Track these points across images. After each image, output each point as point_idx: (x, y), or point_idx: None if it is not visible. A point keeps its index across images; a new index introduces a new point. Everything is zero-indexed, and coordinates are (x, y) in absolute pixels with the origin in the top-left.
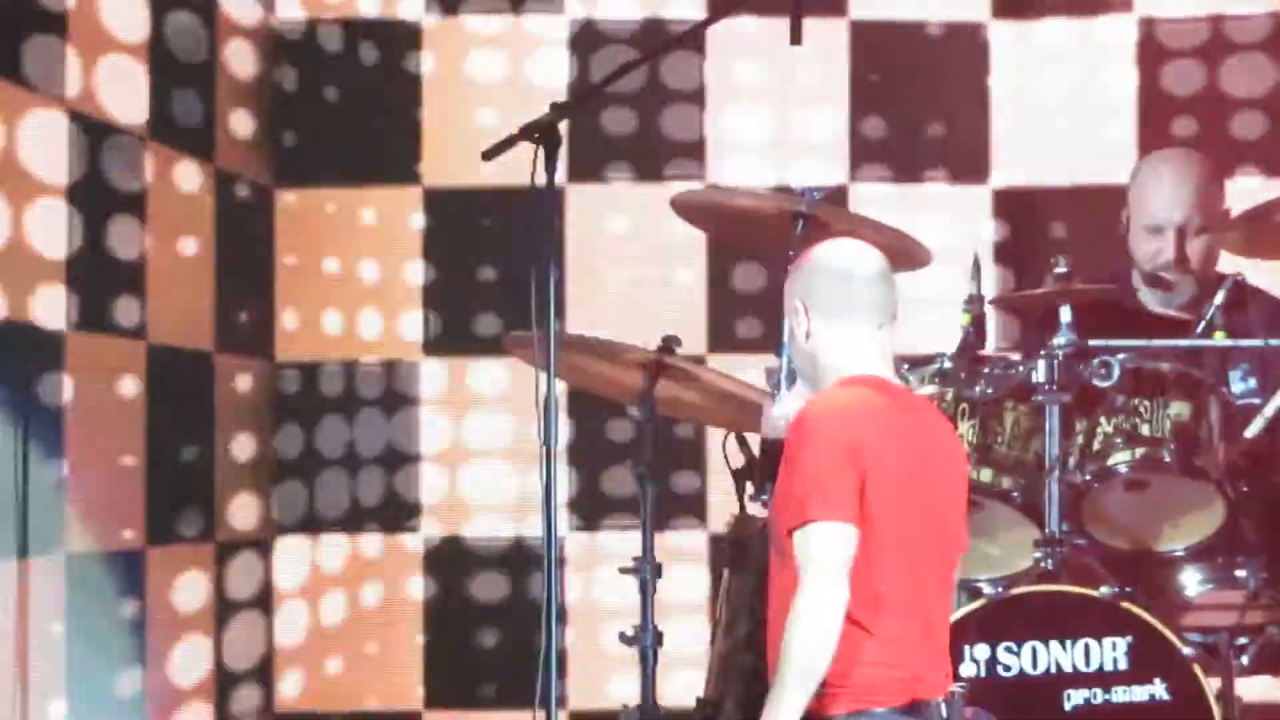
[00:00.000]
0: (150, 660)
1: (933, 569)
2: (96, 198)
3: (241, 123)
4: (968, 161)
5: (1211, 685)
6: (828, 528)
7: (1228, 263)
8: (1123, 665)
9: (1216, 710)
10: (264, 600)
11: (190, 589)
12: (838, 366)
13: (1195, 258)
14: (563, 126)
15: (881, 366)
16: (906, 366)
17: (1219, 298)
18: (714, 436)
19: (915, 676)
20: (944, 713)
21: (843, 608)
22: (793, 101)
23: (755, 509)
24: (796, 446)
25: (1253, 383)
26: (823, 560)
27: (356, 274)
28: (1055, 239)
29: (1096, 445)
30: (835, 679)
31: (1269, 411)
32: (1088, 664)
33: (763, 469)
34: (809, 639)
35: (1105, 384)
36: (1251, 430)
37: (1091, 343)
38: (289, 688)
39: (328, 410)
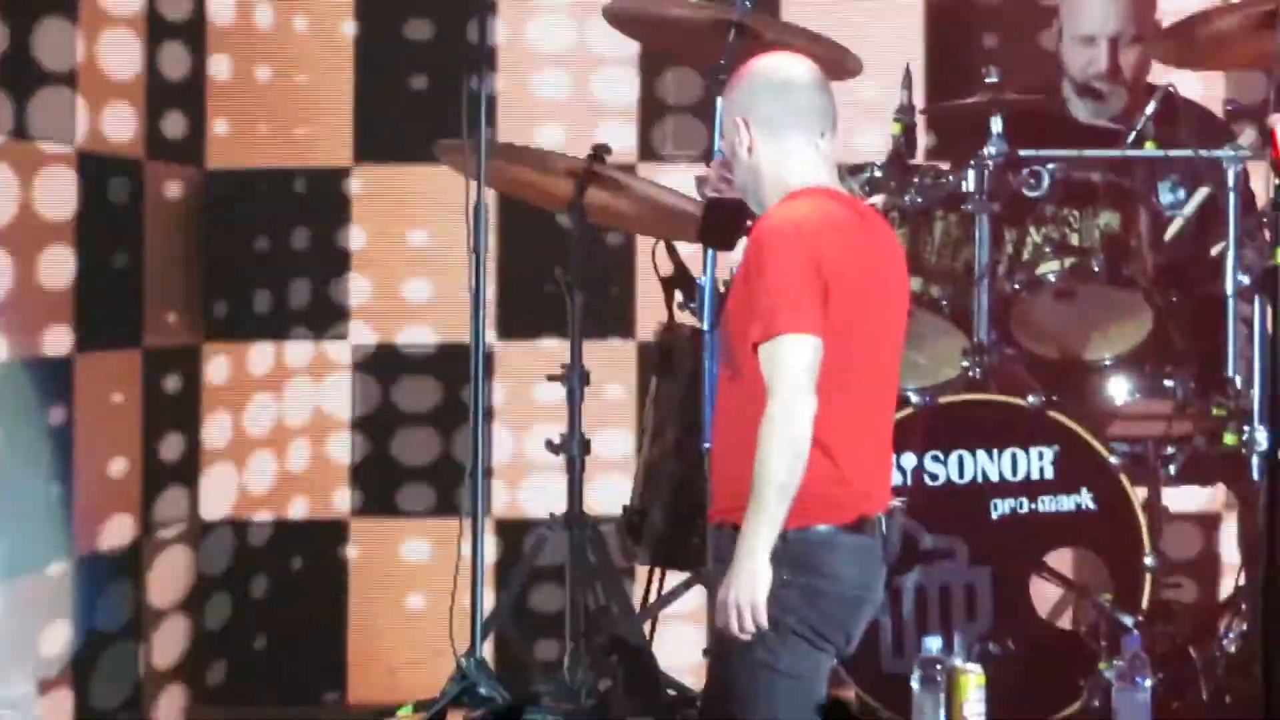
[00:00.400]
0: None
1: (885, 382)
2: None
3: None
4: None
5: (1138, 495)
6: (797, 340)
7: (1159, 74)
8: (1049, 474)
9: (1142, 519)
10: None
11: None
12: (784, 178)
13: (1127, 68)
14: None
15: (827, 176)
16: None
17: (1150, 108)
18: (643, 246)
19: (864, 492)
20: (884, 527)
21: (812, 418)
22: None
23: (683, 317)
24: (759, 259)
25: (1181, 193)
26: (794, 371)
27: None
28: (986, 49)
29: (1026, 254)
30: None
31: (1188, 212)
32: (1014, 473)
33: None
34: (786, 451)
35: (1035, 194)
36: (1170, 233)
37: (1022, 152)
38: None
39: (259, 219)
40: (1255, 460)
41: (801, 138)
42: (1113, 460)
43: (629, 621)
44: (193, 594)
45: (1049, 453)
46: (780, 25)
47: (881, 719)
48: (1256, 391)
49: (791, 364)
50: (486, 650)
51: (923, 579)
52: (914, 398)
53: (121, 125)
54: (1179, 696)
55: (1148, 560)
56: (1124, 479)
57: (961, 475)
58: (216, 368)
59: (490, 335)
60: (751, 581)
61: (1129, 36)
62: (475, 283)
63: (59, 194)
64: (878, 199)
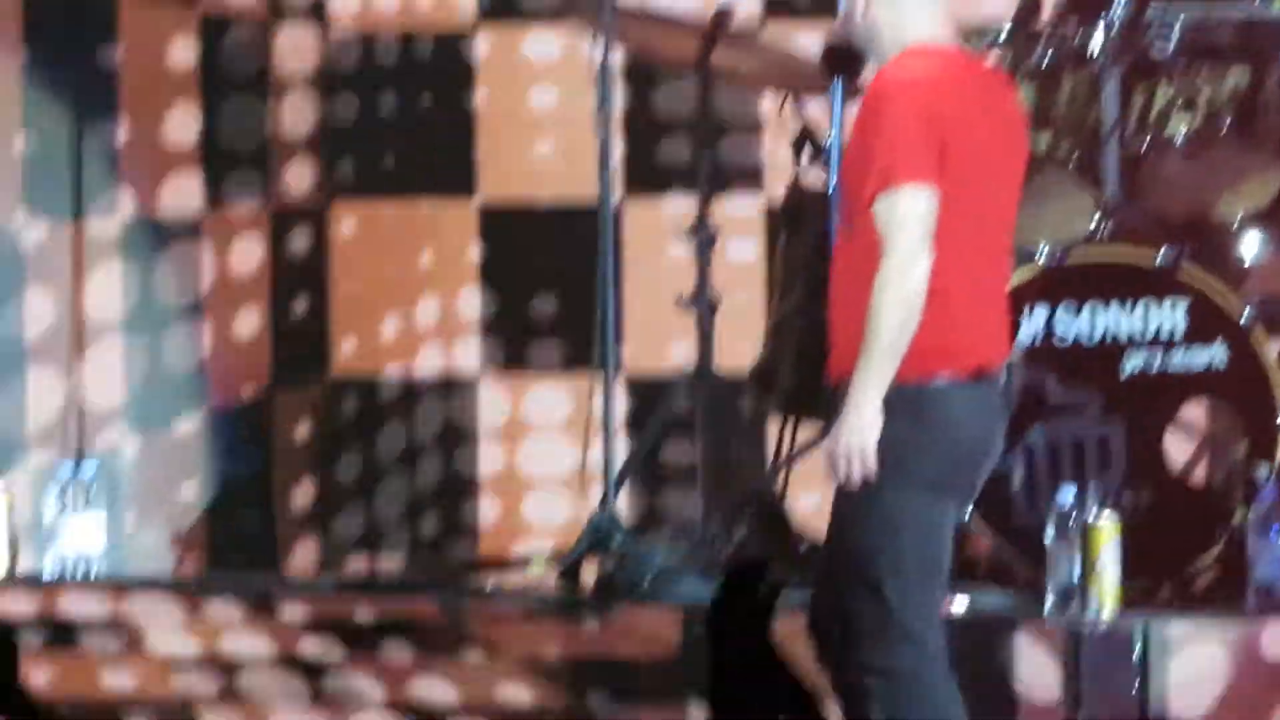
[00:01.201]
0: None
1: (1001, 239)
2: None
3: None
4: None
5: (1270, 351)
6: (914, 190)
7: None
8: (1181, 329)
9: (1275, 376)
10: None
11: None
12: (901, 35)
13: None
14: None
15: (946, 32)
16: (965, 34)
17: None
18: (770, 104)
19: (983, 343)
20: (1002, 380)
21: (928, 274)
22: None
23: (812, 175)
24: (876, 114)
25: None
26: (911, 224)
27: None
28: None
29: (1154, 113)
30: (909, 345)
31: None
32: (1146, 327)
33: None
34: (899, 306)
35: (1163, 52)
36: None
37: (1150, 8)
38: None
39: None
40: None
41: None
42: (1245, 316)
43: (761, 476)
44: (324, 449)
45: (1181, 307)
46: None
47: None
48: None
49: (907, 216)
50: (620, 504)
51: (1055, 432)
52: (1043, 254)
53: None
54: None
55: None
56: (1256, 334)
57: (1093, 330)
58: (345, 226)
59: (618, 193)
60: (861, 432)
61: None
62: (603, 141)
63: (184, 49)
64: (1004, 58)
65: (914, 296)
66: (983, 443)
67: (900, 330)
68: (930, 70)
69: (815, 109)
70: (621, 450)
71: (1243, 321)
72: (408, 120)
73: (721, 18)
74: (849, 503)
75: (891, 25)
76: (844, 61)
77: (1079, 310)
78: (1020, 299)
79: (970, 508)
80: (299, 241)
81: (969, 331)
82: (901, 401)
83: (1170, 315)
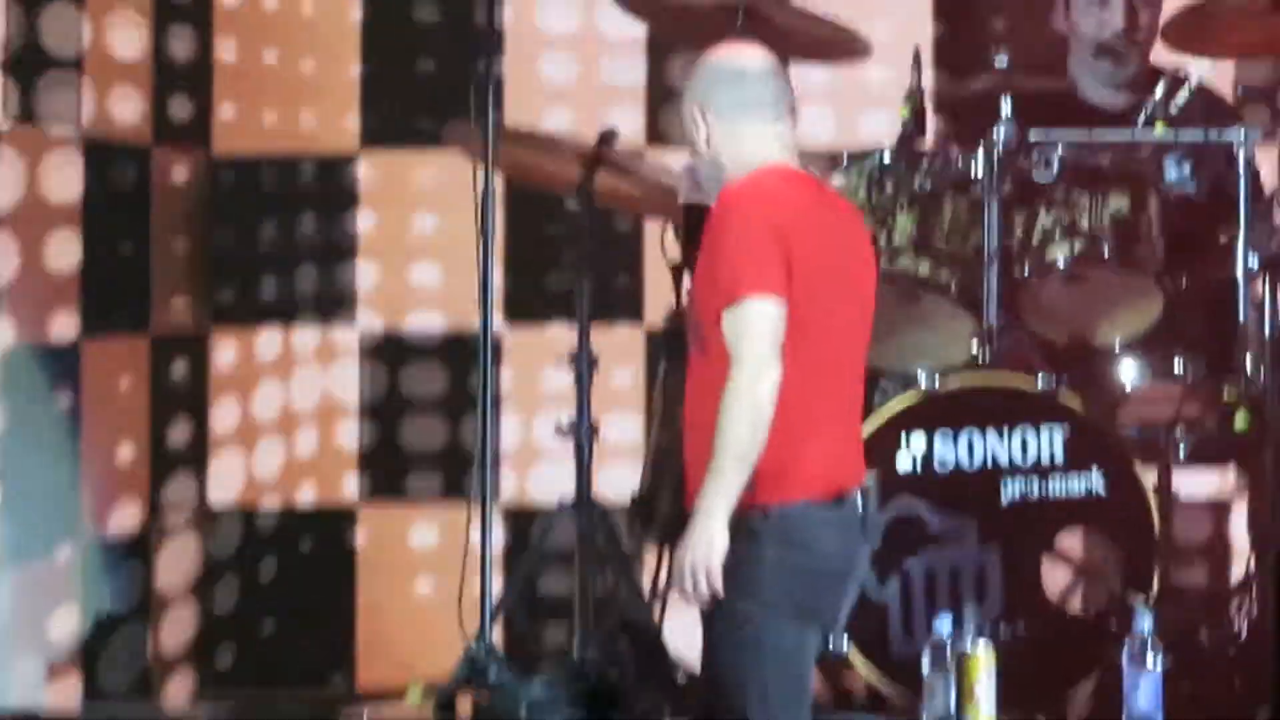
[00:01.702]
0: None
1: (852, 357)
2: None
3: None
4: None
5: (1148, 477)
6: (761, 302)
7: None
8: (1059, 456)
9: (1153, 502)
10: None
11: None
12: (745, 162)
13: (1143, 28)
14: None
15: (788, 157)
16: (846, 159)
17: (1159, 91)
18: (651, 233)
19: (841, 467)
20: (860, 503)
21: (777, 385)
22: None
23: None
24: (721, 229)
25: (1187, 169)
26: (758, 334)
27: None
28: (995, 31)
29: (1035, 238)
30: (766, 468)
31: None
32: (1024, 456)
33: (686, 235)
34: (747, 416)
35: (1045, 178)
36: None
37: (1032, 136)
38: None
39: (266, 205)
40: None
41: (759, 124)
42: (1123, 442)
43: (639, 605)
44: (201, 579)
45: (1059, 433)
46: (788, 8)
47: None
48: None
49: (755, 328)
50: (495, 635)
51: (933, 561)
52: (924, 380)
53: (128, 109)
54: (1190, 678)
55: (1158, 543)
56: (1135, 461)
57: (971, 457)
58: (224, 354)
59: (498, 321)
60: (708, 545)
61: None
62: (483, 268)
63: (65, 178)
64: (885, 182)
65: (763, 407)
66: (845, 564)
67: (749, 441)
68: (773, 186)
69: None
70: (498, 581)
71: (1122, 447)
72: (289, 245)
73: (605, 140)
74: (715, 632)
75: (733, 153)
76: (698, 221)
77: (957, 436)
78: (899, 425)
79: (843, 635)
80: (178, 367)
81: (827, 453)
82: (763, 525)
83: (1049, 441)
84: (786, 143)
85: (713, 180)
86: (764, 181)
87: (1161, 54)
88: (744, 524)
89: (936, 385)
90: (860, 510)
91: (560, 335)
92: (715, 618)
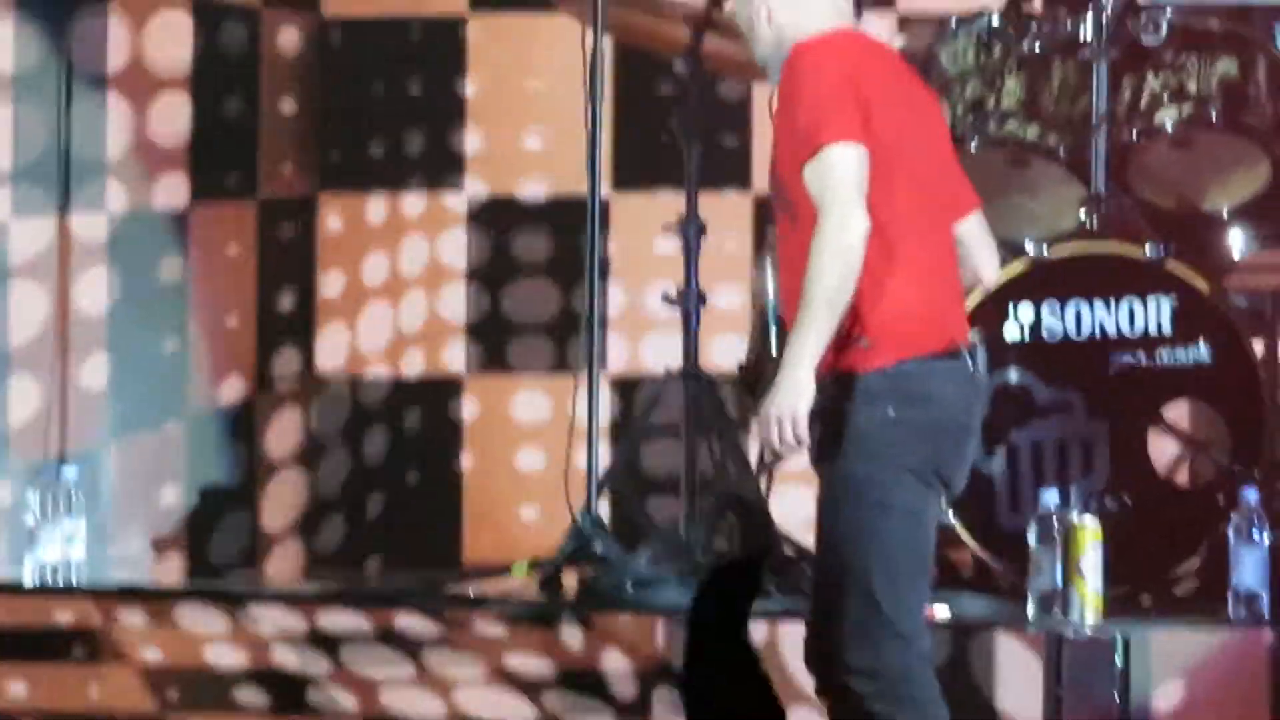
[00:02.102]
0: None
1: (942, 210)
2: None
3: None
4: None
5: (1256, 347)
6: (841, 149)
7: None
8: (1167, 327)
9: (1261, 372)
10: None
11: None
12: (808, 26)
13: None
14: None
15: (847, 25)
16: (954, 22)
17: None
18: (760, 97)
19: (950, 320)
20: (971, 359)
21: (865, 232)
22: None
23: None
24: (795, 83)
25: None
26: (841, 181)
27: None
28: None
29: (1143, 102)
30: (875, 328)
31: None
32: (1132, 326)
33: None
34: (836, 261)
35: (1153, 41)
36: None
37: None
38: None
39: (375, 73)
40: None
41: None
42: (1231, 311)
43: (746, 478)
44: (307, 451)
45: (1167, 304)
46: None
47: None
48: None
49: (840, 174)
50: (602, 508)
51: (1039, 433)
52: (1030, 248)
53: None
54: None
55: (1266, 415)
56: (1242, 331)
57: (1079, 328)
58: (332, 219)
59: (606, 187)
60: (795, 392)
61: None
62: (591, 133)
63: (174, 41)
64: (993, 45)
65: (852, 252)
66: (967, 418)
67: (838, 288)
68: (842, 40)
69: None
70: (605, 454)
71: (1229, 317)
72: (397, 109)
73: (714, 2)
74: (834, 499)
75: (794, 25)
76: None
77: (1064, 306)
78: (1006, 294)
79: (951, 507)
80: (285, 233)
81: (935, 304)
82: (886, 383)
83: (1156, 311)
84: (846, 13)
85: (772, 59)
86: (832, 38)
87: None
88: (862, 384)
89: (1044, 253)
90: (972, 365)
91: (668, 201)
92: (834, 484)
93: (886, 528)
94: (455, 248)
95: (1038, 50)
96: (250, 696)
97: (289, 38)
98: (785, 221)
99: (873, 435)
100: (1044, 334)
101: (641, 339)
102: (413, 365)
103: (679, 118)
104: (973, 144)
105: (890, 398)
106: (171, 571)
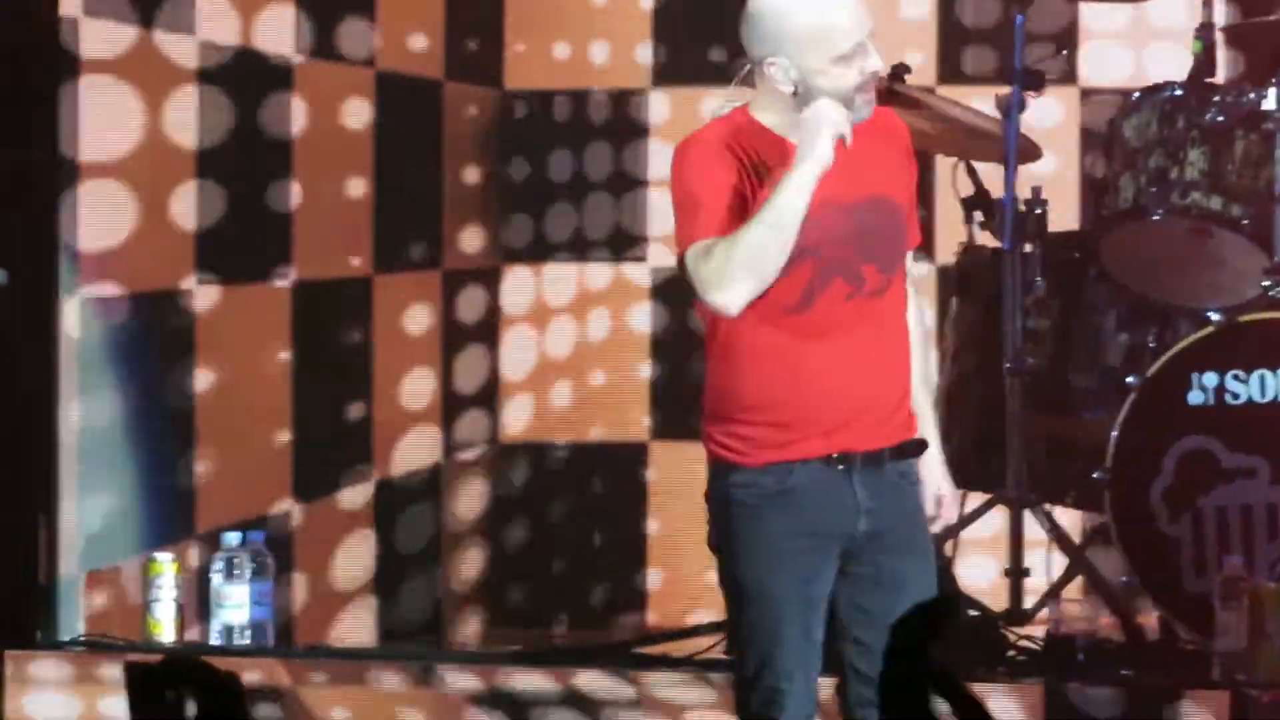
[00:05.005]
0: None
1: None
2: None
3: None
4: None
5: None
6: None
7: None
8: None
9: None
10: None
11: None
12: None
13: None
14: None
15: None
16: (1138, 95)
17: None
18: (942, 167)
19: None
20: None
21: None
22: None
23: (983, 237)
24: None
25: None
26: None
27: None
28: None
29: None
30: None
31: None
32: None
33: None
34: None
35: None
36: None
37: None
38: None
39: (557, 140)
40: None
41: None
42: None
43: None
44: (491, 516)
45: None
46: None
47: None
48: None
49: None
50: None
51: (1224, 497)
52: (1215, 316)
53: (419, 42)
54: None
55: None
56: None
57: (1263, 394)
58: (515, 288)
59: None
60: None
61: None
62: None
63: (357, 112)
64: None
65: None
66: None
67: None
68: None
69: (985, 168)
70: None
71: None
72: (580, 182)
73: (896, 75)
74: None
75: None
76: None
77: (1248, 374)
78: (1191, 362)
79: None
80: (471, 304)
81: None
82: None
83: None
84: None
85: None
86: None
87: None
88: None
89: (1227, 322)
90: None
91: None
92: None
93: None
94: (639, 317)
95: (1221, 121)
96: None
97: (471, 108)
98: (879, 284)
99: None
100: (1228, 399)
101: None
102: (597, 431)
103: None
104: (1156, 215)
105: None
106: (358, 633)
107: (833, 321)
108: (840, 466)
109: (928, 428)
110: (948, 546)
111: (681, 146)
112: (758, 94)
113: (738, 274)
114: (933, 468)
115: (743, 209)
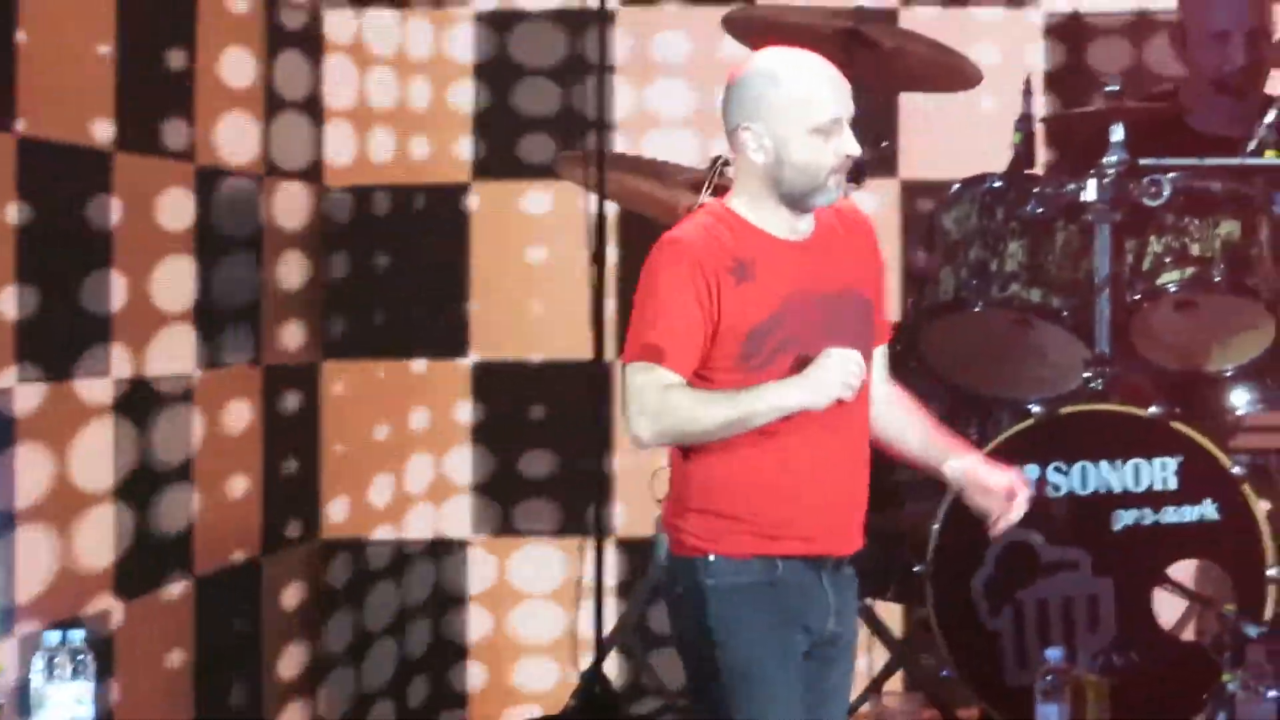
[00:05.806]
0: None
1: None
2: None
3: None
4: None
5: (1261, 506)
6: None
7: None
8: (1172, 485)
9: (1266, 531)
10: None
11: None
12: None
13: (1264, 64)
14: None
15: None
16: (958, 187)
17: (1270, 116)
18: None
19: None
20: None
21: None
22: None
23: None
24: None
25: None
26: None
27: (407, 99)
28: (1105, 59)
29: (1146, 264)
30: None
31: None
32: (1137, 484)
33: None
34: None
35: (1155, 203)
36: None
37: (1142, 161)
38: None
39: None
40: None
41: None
42: (1236, 471)
43: None
44: (309, 608)
45: (1172, 463)
46: (900, 32)
47: None
48: None
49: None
50: (610, 668)
51: (1044, 590)
52: (1036, 408)
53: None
54: None
55: (1271, 571)
56: (1247, 490)
57: (1084, 486)
58: (337, 385)
59: (611, 352)
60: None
61: (1262, 31)
62: (596, 299)
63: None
64: (997, 208)
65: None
66: None
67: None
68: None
69: None
70: (612, 614)
71: (1234, 476)
72: (401, 277)
73: (717, 166)
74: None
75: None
76: None
77: (1069, 466)
78: (1012, 454)
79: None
80: (291, 401)
81: None
82: None
83: (1162, 470)
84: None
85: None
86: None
87: (1275, 80)
88: None
89: (1049, 414)
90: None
91: None
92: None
93: None
94: (462, 411)
95: (1040, 213)
96: None
97: (291, 205)
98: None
99: None
100: (1049, 491)
101: (646, 502)
102: (419, 526)
103: None
104: (976, 307)
105: None
106: None
107: (811, 415)
108: (816, 569)
109: (959, 445)
110: None
111: (663, 245)
112: (734, 181)
113: (672, 429)
114: (988, 468)
115: (698, 339)
